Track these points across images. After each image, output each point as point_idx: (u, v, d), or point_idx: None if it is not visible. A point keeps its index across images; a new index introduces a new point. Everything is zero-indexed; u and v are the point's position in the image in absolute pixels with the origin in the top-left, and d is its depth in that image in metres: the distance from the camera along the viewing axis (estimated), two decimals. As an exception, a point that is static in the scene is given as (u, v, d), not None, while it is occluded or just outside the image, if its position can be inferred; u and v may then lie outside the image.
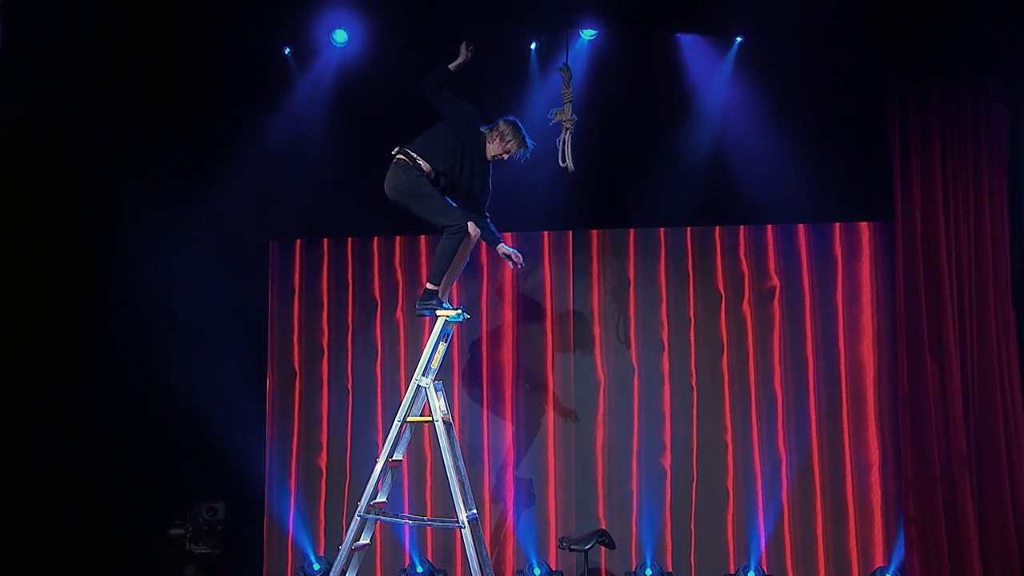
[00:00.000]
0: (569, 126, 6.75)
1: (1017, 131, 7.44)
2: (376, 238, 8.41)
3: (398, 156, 6.43)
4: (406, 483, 8.01)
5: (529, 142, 6.44)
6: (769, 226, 7.98)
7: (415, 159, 6.37)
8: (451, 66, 6.26)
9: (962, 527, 7.08)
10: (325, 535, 8.18)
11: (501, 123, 6.45)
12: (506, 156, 6.48)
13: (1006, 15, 6.97)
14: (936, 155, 7.42)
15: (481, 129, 6.43)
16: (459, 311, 6.73)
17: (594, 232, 8.18)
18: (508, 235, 8.18)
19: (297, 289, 8.48)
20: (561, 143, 6.74)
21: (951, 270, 7.33)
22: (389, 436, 6.56)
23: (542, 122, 6.87)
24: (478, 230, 6.58)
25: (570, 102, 6.76)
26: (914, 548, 7.19)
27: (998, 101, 7.43)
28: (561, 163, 6.72)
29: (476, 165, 6.48)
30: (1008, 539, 7.06)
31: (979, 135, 7.42)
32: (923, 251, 7.37)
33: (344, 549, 6.49)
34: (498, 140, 6.43)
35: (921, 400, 7.25)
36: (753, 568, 7.63)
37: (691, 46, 7.73)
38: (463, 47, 6.25)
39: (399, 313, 8.31)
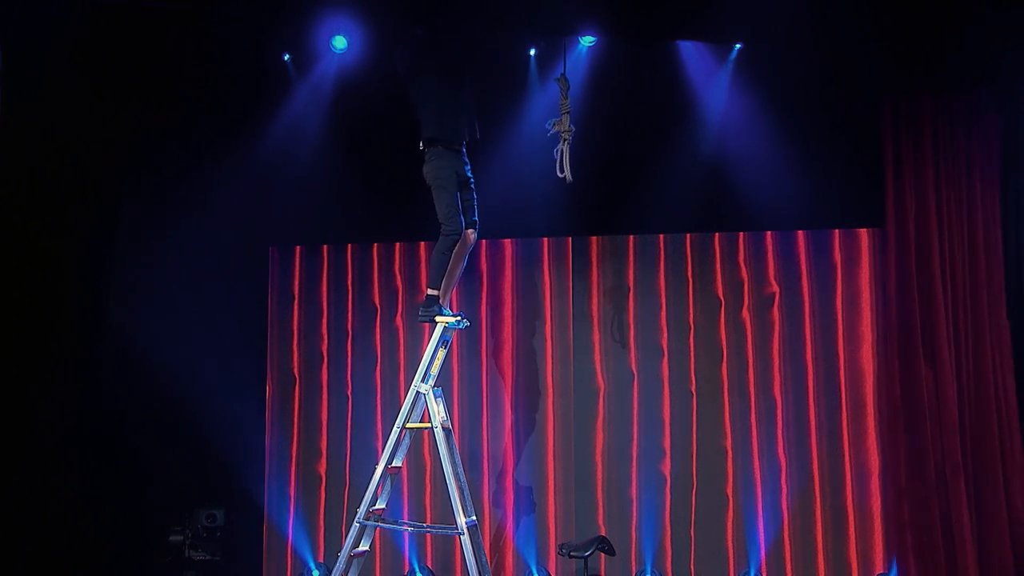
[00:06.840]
0: (567, 137, 6.73)
1: (1008, 140, 7.47)
2: (376, 244, 8.42)
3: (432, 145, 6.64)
4: (405, 489, 8.00)
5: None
6: (768, 233, 7.98)
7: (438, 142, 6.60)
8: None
9: (958, 533, 7.08)
10: (324, 541, 8.17)
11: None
12: None
13: (999, 28, 6.99)
14: (929, 164, 7.46)
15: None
16: (459, 318, 6.75)
17: (593, 238, 8.19)
18: (508, 241, 8.21)
19: (297, 296, 8.48)
20: (559, 154, 6.73)
21: (945, 278, 7.35)
22: (388, 442, 6.57)
23: (542, 128, 6.87)
24: (475, 237, 6.69)
25: (567, 113, 6.75)
26: (909, 554, 7.20)
27: (989, 110, 7.46)
28: (559, 174, 6.71)
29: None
30: (1003, 544, 7.06)
31: (971, 144, 7.45)
32: (917, 259, 7.39)
33: (343, 555, 6.50)
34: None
35: (916, 407, 7.26)
36: (753, 574, 7.63)
37: (690, 53, 7.73)
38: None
39: (399, 319, 8.31)
